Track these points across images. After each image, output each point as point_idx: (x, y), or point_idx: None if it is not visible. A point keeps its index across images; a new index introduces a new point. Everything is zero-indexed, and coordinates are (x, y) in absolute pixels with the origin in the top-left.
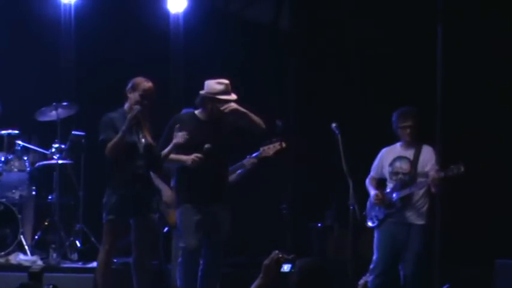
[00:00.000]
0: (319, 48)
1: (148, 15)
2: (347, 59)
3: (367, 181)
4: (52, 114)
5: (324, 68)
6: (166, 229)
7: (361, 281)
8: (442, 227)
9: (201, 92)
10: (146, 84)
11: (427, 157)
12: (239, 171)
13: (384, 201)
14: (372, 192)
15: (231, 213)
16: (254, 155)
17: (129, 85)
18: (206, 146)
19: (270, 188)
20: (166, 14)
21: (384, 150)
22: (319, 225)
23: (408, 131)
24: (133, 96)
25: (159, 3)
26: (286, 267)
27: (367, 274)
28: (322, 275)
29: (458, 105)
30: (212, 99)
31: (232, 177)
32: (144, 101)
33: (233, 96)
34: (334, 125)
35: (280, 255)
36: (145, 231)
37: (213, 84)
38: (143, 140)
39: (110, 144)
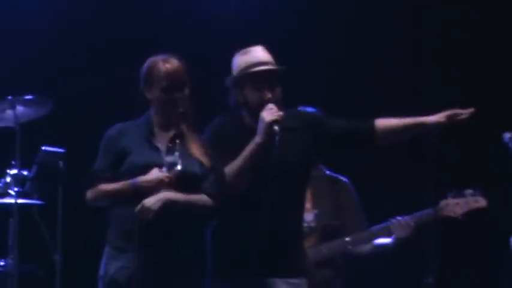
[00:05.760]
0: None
1: None
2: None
3: None
4: (6, 116)
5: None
6: None
7: None
8: None
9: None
10: (165, 66)
11: None
12: (386, 241)
13: None
14: None
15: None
16: (420, 213)
17: (142, 78)
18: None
19: (408, 254)
20: None
21: None
22: None
23: None
24: (154, 95)
25: None
26: None
27: None
28: None
29: None
30: (244, 78)
31: (365, 248)
32: (172, 94)
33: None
34: (508, 135)
35: None
36: None
37: (238, 59)
38: (178, 164)
39: (99, 190)
